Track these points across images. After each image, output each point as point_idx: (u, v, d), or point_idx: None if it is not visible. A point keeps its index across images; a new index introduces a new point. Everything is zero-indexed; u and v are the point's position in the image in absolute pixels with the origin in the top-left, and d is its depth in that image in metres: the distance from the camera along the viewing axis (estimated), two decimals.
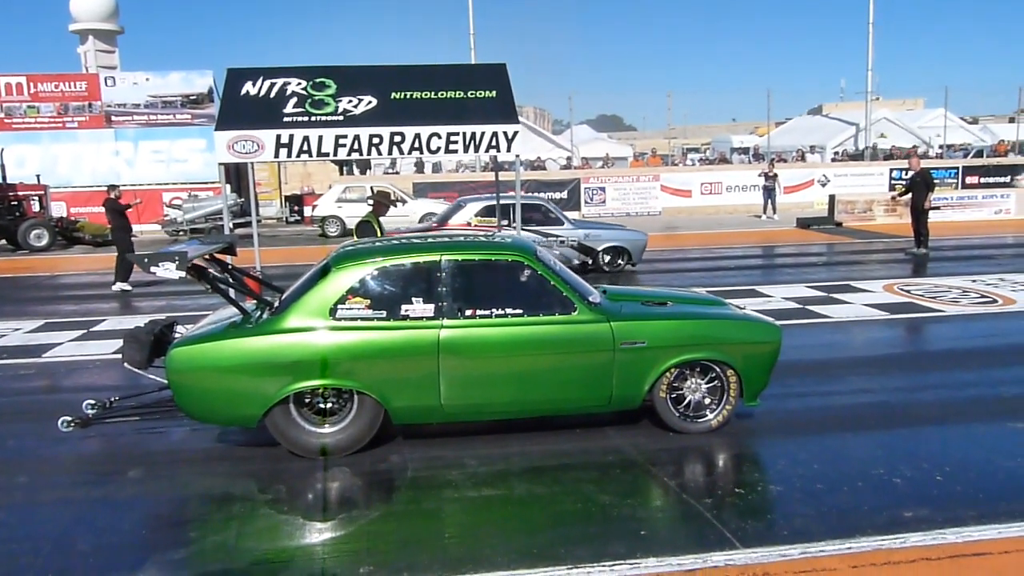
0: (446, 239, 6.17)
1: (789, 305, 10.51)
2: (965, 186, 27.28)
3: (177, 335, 6.08)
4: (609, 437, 5.75)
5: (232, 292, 6.11)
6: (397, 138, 8.90)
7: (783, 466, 5.22)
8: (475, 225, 13.33)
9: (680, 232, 21.30)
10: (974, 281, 12.12)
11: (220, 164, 9.06)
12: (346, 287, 5.39)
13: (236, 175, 25.97)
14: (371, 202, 9.64)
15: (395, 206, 21.95)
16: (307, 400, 5.46)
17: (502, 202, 13.00)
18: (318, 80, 9.35)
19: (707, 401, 5.77)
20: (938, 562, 3.97)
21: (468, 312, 5.42)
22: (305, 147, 8.83)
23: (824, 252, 17.12)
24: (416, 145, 8.97)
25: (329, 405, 5.48)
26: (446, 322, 5.38)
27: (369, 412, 5.42)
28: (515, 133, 9.15)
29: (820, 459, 5.30)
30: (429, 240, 6.05)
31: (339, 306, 5.35)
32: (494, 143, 9.08)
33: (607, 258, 13.90)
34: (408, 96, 9.34)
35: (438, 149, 9.05)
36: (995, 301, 10.55)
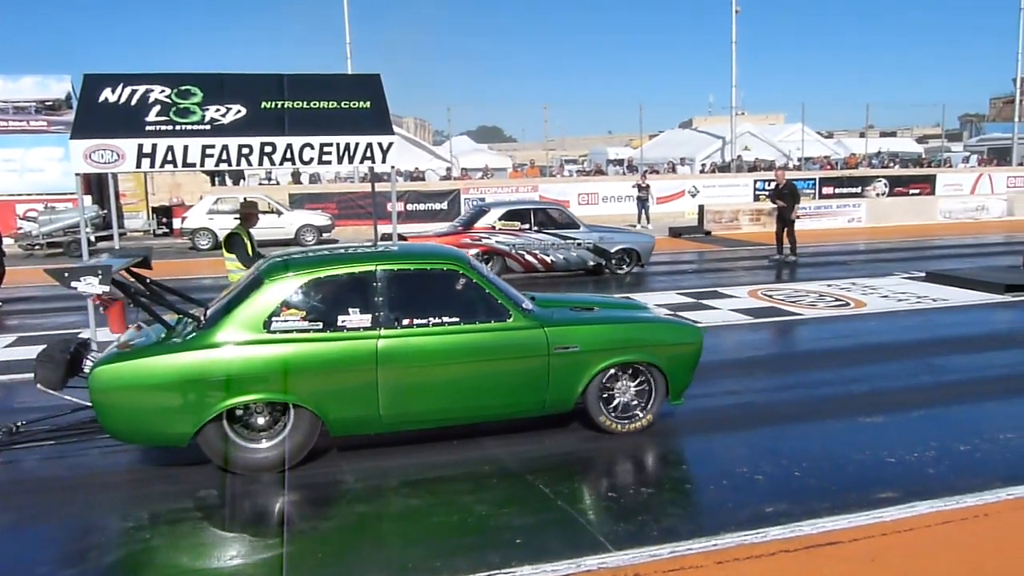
0: (380, 249, 6.14)
1: (662, 312, 10.86)
2: (822, 196, 29.07)
3: (93, 354, 5.81)
4: (486, 447, 5.77)
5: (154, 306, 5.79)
6: (268, 148, 8.65)
7: (654, 469, 5.39)
8: (499, 229, 13.84)
9: None
10: (829, 286, 12.91)
11: (77, 174, 8.54)
12: (280, 299, 5.28)
13: (98, 186, 24.57)
14: (239, 215, 9.32)
15: (277, 215, 21.47)
16: (239, 415, 5.28)
17: (521, 207, 14.31)
18: (183, 88, 8.98)
19: (635, 402, 5.95)
20: (795, 553, 4.18)
21: (405, 321, 5.42)
22: (170, 157, 8.46)
23: (695, 260, 17.83)
24: (288, 156, 8.75)
25: (262, 420, 5.32)
26: (383, 332, 5.35)
27: (306, 425, 5.30)
28: (390, 144, 9.07)
29: (688, 460, 5.51)
30: (362, 250, 5.99)
31: (273, 318, 5.24)
32: (369, 154, 8.97)
33: (616, 260, 14.55)
34: (279, 106, 9.10)
35: (311, 160, 8.86)
36: (847, 304, 11.27)
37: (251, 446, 5.28)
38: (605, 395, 5.88)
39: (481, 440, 5.86)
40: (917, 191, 30.86)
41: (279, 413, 5.34)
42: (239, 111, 8.86)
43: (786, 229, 16.37)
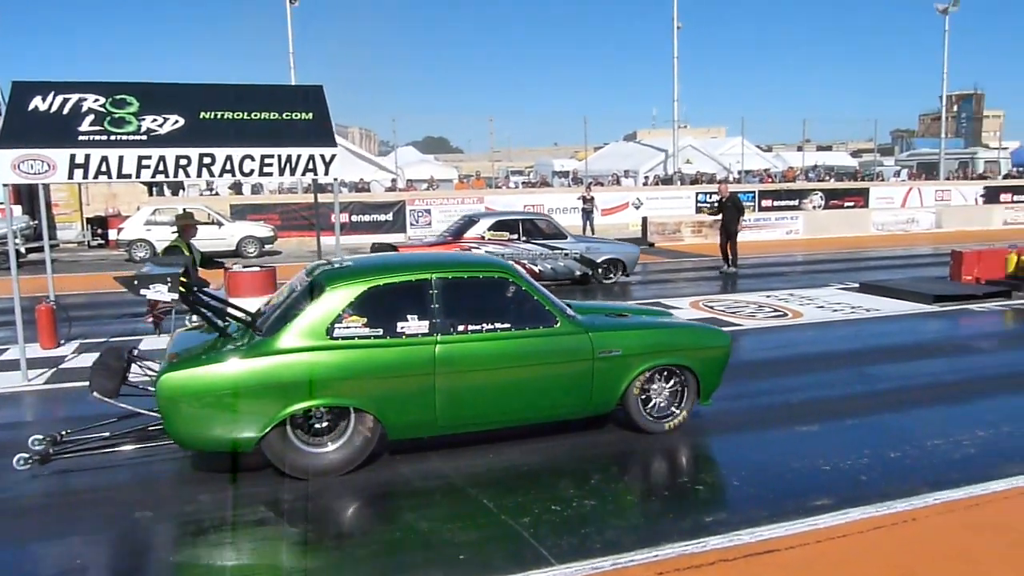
0: (430, 257, 6.28)
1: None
2: (761, 209, 29.75)
3: (141, 363, 5.93)
4: (430, 461, 5.75)
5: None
6: (207, 160, 8.48)
7: (597, 481, 5.42)
8: (488, 239, 13.96)
9: None
10: (768, 296, 13.21)
11: (4, 185, 8.26)
12: (342, 306, 5.42)
13: (29, 196, 23.78)
14: (176, 227, 9.15)
15: (218, 226, 21.03)
16: (299, 421, 5.36)
17: (510, 218, 14.54)
18: (118, 97, 8.75)
19: (668, 403, 6.27)
20: (734, 562, 4.26)
21: (460, 328, 5.61)
22: (104, 168, 8.23)
23: (638, 271, 18.01)
24: (228, 168, 8.59)
25: (323, 425, 5.43)
26: (440, 338, 5.54)
27: (367, 430, 5.45)
28: (332, 156, 8.99)
29: (630, 472, 5.57)
30: (415, 258, 6.20)
31: (336, 325, 5.38)
32: (311, 166, 8.87)
33: (602, 270, 14.81)
34: (219, 116, 8.94)
35: (251, 172, 8.72)
36: (786, 315, 11.54)
37: (314, 451, 5.39)
38: (643, 396, 6.16)
39: (425, 454, 5.83)
40: (852, 204, 31.83)
41: (339, 418, 5.45)
42: (177, 121, 8.68)
43: (729, 242, 16.69)
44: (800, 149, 46.89)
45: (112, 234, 23.20)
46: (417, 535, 4.64)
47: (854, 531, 4.58)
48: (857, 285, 14.03)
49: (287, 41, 29.92)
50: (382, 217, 25.90)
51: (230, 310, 6.04)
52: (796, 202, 31.10)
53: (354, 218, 25.25)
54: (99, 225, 25.05)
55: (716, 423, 6.65)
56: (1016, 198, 33.64)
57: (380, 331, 5.45)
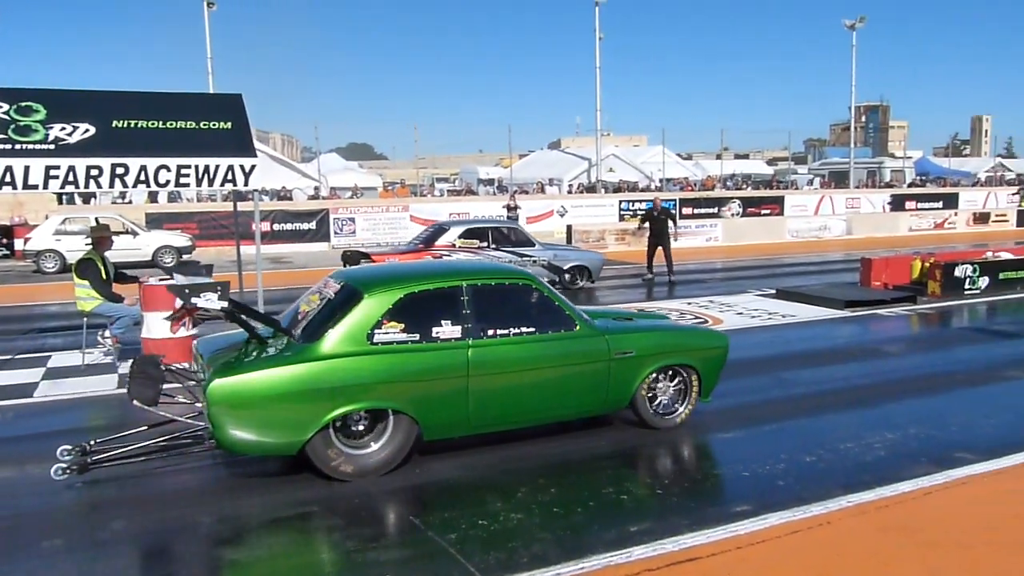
0: (458, 265, 6.84)
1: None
2: (682, 217, 30.43)
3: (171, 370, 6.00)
4: (353, 480, 5.66)
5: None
6: (120, 170, 8.20)
7: (523, 494, 5.43)
8: (459, 247, 14.25)
9: None
10: (689, 304, 13.52)
11: None
12: (381, 313, 5.64)
13: None
14: (91, 239, 8.81)
15: (133, 236, 20.28)
16: (339, 424, 5.53)
17: (480, 226, 14.83)
18: (24, 104, 8.39)
19: (672, 401, 6.73)
20: (658, 571, 4.33)
21: (490, 332, 5.92)
22: (8, 179, 7.87)
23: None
24: (142, 178, 8.32)
25: (361, 427, 5.66)
26: (472, 342, 5.83)
27: (404, 431, 5.69)
28: (252, 167, 8.81)
29: (557, 484, 5.59)
30: (445, 266, 6.64)
31: (375, 331, 5.60)
32: (230, 176, 8.67)
33: (568, 276, 15.16)
34: (133, 125, 8.66)
35: (167, 183, 8.47)
36: (706, 322, 11.82)
37: (356, 452, 5.61)
38: (650, 395, 6.59)
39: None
40: (768, 212, 32.88)
41: (376, 420, 5.67)
42: (87, 130, 8.37)
43: (664, 251, 16.91)
44: (719, 157, 48.28)
45: (18, 244, 22.14)
46: (342, 554, 4.58)
47: (772, 536, 4.71)
48: (774, 291, 14.49)
49: (205, 47, 29.19)
50: (305, 226, 25.50)
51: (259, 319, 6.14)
52: (715, 210, 31.94)
53: (276, 227, 24.80)
54: (3, 234, 23.88)
55: (638, 433, 6.75)
56: (920, 206, 35.36)
57: (416, 336, 5.70)
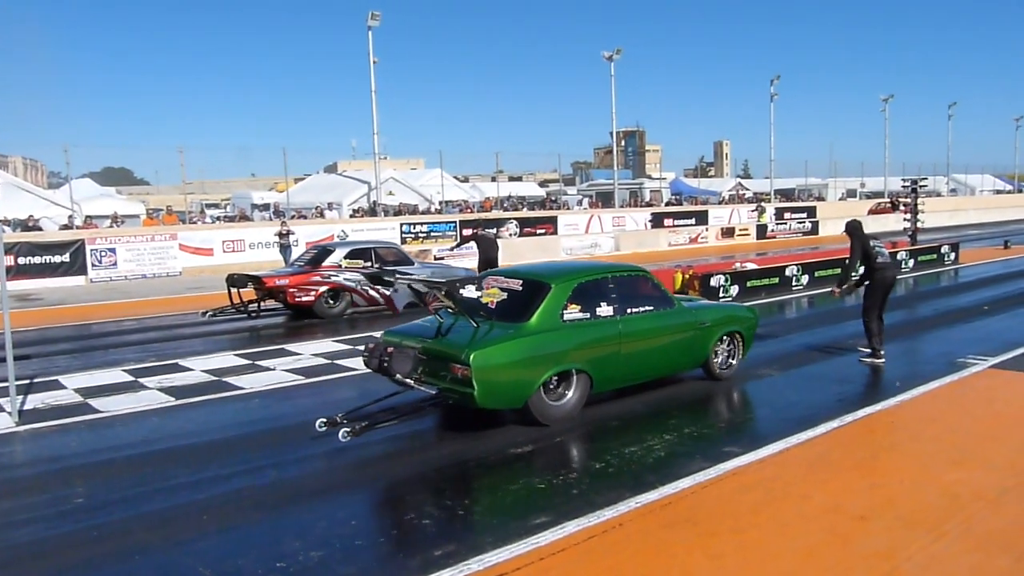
0: (600, 263, 9.67)
1: (319, 361, 10.74)
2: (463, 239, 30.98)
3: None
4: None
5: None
6: None
7: (324, 528, 5.25)
8: (345, 267, 14.93)
9: (183, 295, 19.91)
10: None
11: None
12: (566, 298, 7.49)
13: None
14: None
15: None
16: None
17: (362, 247, 15.77)
18: None
19: (725, 359, 8.93)
20: None
21: (629, 310, 7.88)
22: None
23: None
24: None
25: (553, 384, 7.30)
26: (621, 317, 7.78)
27: (583, 385, 7.49)
28: None
29: (357, 516, 5.47)
30: (593, 263, 9.48)
31: (564, 312, 7.42)
32: None
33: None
34: None
35: None
36: None
37: (554, 404, 7.33)
38: (714, 355, 8.74)
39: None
40: (543, 231, 34.39)
41: (561, 380, 7.37)
42: None
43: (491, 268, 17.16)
44: (494, 180, 49.65)
45: None
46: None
47: (571, 543, 4.89)
48: None
49: None
50: (57, 258, 23.10)
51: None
52: (494, 231, 32.85)
53: (21, 260, 22.24)
54: None
55: (432, 453, 6.76)
56: (676, 223, 38.61)
57: (588, 315, 7.57)
